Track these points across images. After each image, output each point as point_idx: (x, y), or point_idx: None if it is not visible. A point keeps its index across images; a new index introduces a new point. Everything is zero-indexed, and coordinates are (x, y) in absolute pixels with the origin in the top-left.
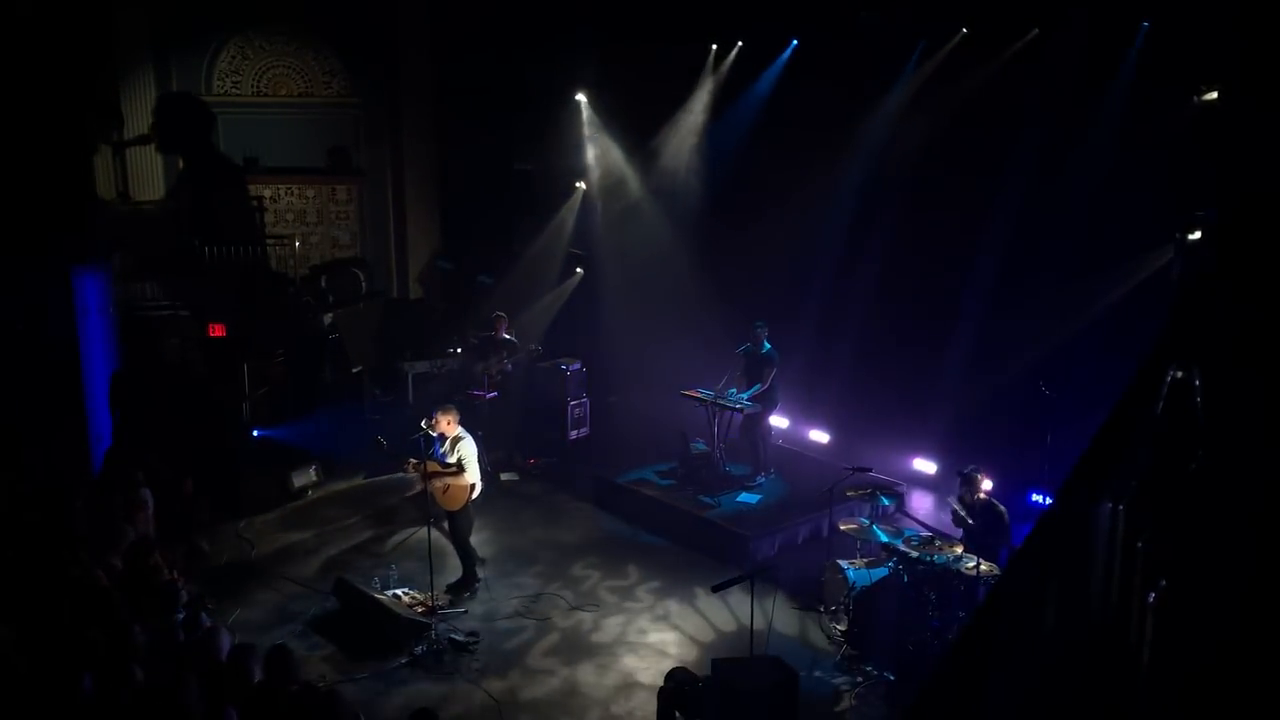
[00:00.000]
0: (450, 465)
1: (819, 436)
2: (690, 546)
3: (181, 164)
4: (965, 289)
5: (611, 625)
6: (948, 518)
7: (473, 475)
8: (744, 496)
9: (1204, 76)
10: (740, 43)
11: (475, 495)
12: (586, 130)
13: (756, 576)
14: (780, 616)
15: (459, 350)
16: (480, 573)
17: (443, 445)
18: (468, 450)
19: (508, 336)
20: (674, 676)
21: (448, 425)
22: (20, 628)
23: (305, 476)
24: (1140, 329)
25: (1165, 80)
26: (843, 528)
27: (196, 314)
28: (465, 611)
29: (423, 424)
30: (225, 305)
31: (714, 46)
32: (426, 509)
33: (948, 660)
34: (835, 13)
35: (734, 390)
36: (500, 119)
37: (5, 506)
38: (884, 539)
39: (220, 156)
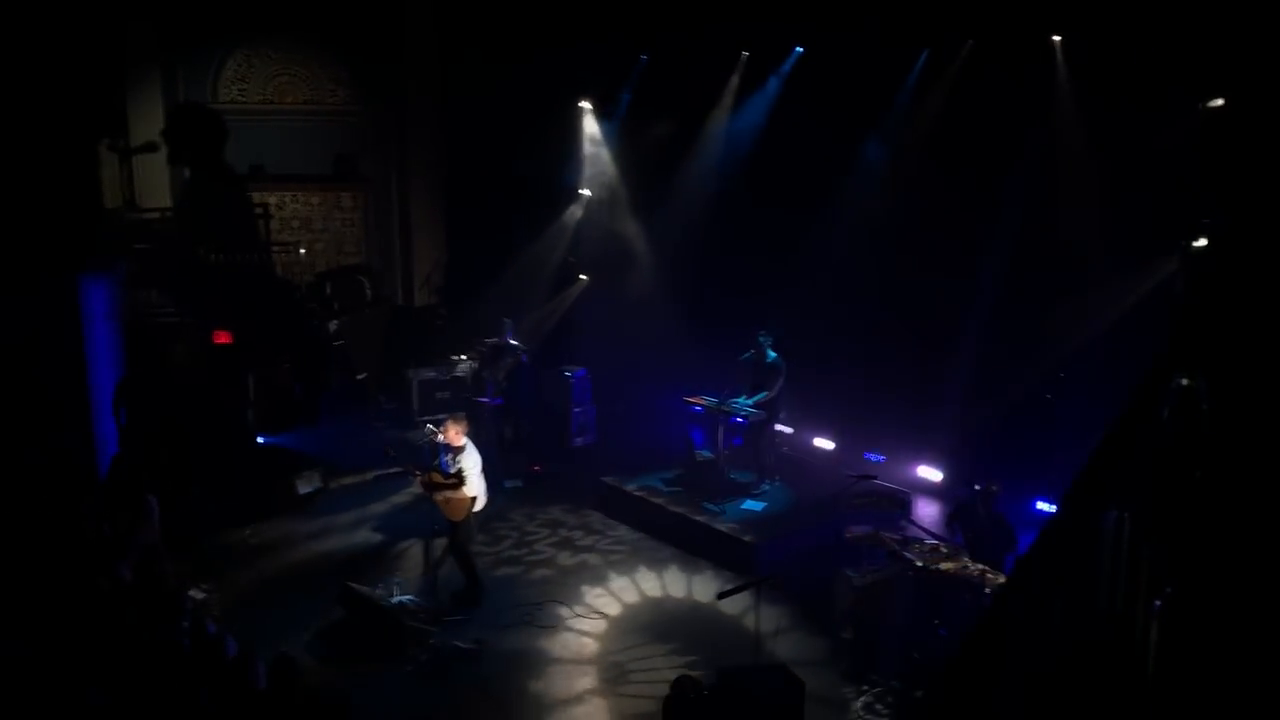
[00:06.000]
0: (451, 477)
1: (824, 444)
2: (695, 554)
3: (188, 172)
4: (970, 297)
5: (615, 633)
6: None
7: (473, 489)
8: (748, 504)
9: (1209, 84)
10: (745, 53)
11: (477, 508)
12: (590, 137)
13: (762, 584)
14: (786, 624)
15: (464, 357)
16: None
17: (448, 455)
18: (469, 463)
19: (514, 342)
20: (679, 685)
21: (455, 435)
22: (28, 636)
23: (310, 483)
24: (1145, 337)
25: (1170, 87)
26: (848, 535)
27: (202, 321)
28: (469, 619)
29: (428, 429)
30: (231, 312)
31: (719, 54)
32: (432, 518)
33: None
34: (839, 21)
35: (741, 398)
36: (505, 127)
37: (12, 514)
38: (890, 547)
39: (226, 164)
